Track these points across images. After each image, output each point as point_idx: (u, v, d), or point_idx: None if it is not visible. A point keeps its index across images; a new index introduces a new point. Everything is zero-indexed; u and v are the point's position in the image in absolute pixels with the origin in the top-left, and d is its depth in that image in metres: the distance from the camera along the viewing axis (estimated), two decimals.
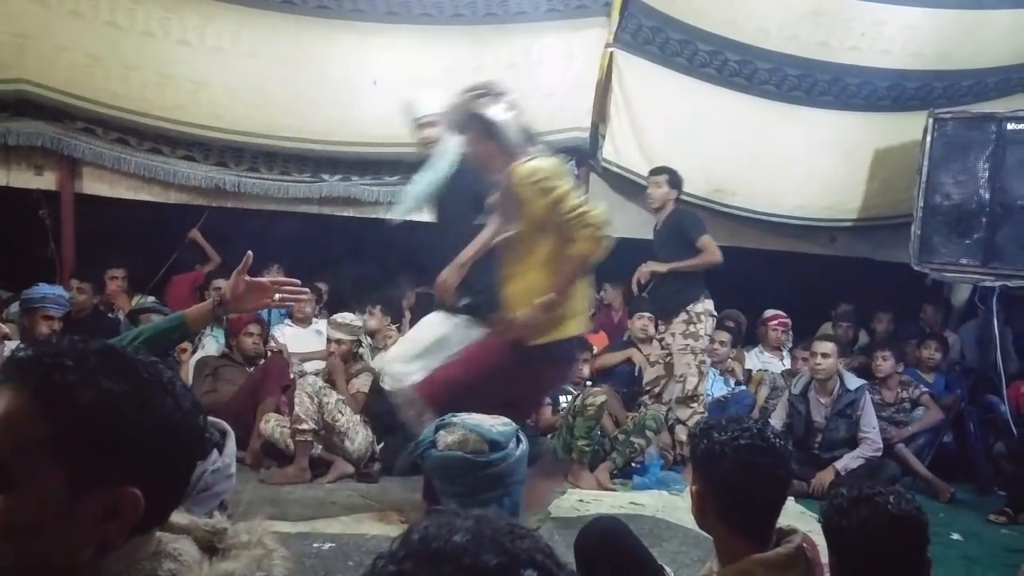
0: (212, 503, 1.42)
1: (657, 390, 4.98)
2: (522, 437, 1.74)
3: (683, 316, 4.76)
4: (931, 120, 5.17)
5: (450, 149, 3.55)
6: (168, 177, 5.22)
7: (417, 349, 3.42)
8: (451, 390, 2.77)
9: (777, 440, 1.65)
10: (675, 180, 4.83)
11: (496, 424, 1.72)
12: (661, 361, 4.94)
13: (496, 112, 3.02)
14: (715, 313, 4.93)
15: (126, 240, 5.95)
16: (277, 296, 1.88)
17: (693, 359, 4.76)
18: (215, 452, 1.45)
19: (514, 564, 0.69)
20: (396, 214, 3.79)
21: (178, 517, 0.97)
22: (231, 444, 1.49)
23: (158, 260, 5.88)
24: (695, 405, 4.73)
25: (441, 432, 1.72)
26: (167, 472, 0.94)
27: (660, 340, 4.97)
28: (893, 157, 5.78)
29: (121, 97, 5.01)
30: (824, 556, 1.68)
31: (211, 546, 0.96)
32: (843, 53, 5.48)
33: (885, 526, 1.58)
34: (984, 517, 4.35)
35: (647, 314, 5.41)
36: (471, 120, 3.04)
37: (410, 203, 3.75)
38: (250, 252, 1.89)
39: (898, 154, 5.71)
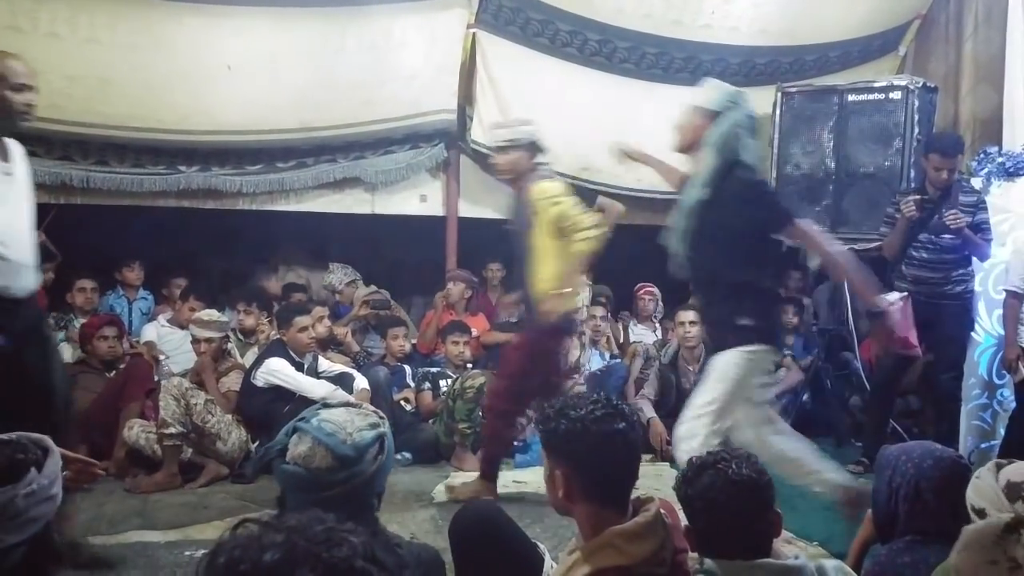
0: (29, 529, 1.29)
1: None
2: (387, 443, 1.65)
3: None
4: (779, 94, 5.40)
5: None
6: None
7: None
8: (512, 389, 3.80)
9: (626, 406, 1.71)
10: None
11: (356, 431, 1.59)
12: None
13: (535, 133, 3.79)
14: (590, 284, 5.03)
15: None
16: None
17: None
18: (32, 472, 1.33)
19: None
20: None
21: None
22: (52, 463, 1.37)
23: None
24: (576, 377, 4.81)
25: (294, 437, 1.61)
26: None
27: None
28: None
29: None
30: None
31: None
32: (696, 31, 5.64)
33: (725, 491, 1.64)
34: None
35: None
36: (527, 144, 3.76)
37: None
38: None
39: None
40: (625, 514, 1.62)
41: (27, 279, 2.89)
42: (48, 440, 1.41)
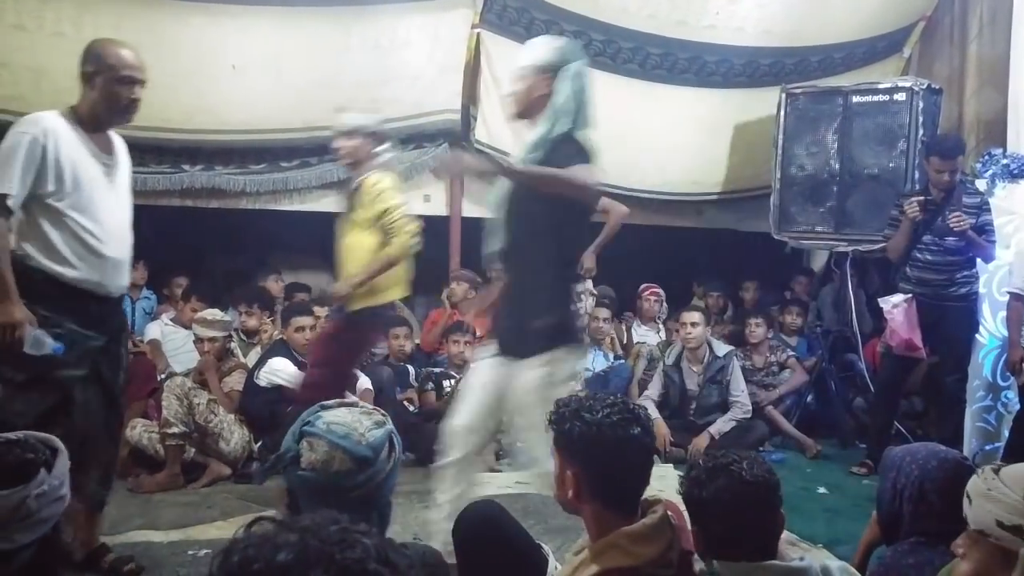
0: (39, 529, 1.28)
1: None
2: (396, 441, 1.63)
3: None
4: (784, 95, 5.40)
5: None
6: None
7: None
8: (321, 375, 3.62)
9: (642, 410, 1.70)
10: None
11: (367, 431, 1.56)
12: None
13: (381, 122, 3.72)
14: (595, 292, 5.02)
15: None
16: None
17: None
18: (42, 473, 1.32)
19: None
20: None
21: None
22: (62, 463, 1.35)
23: None
24: (573, 383, 4.80)
25: (305, 443, 1.57)
26: None
27: None
28: (751, 131, 6.01)
29: None
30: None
31: None
32: (700, 31, 5.63)
33: (740, 493, 1.63)
34: (847, 470, 4.61)
35: None
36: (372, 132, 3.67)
37: None
38: None
39: (755, 128, 5.93)
40: (634, 516, 1.62)
41: (122, 278, 2.83)
42: (56, 440, 1.39)
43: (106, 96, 2.69)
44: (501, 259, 2.75)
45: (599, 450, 1.62)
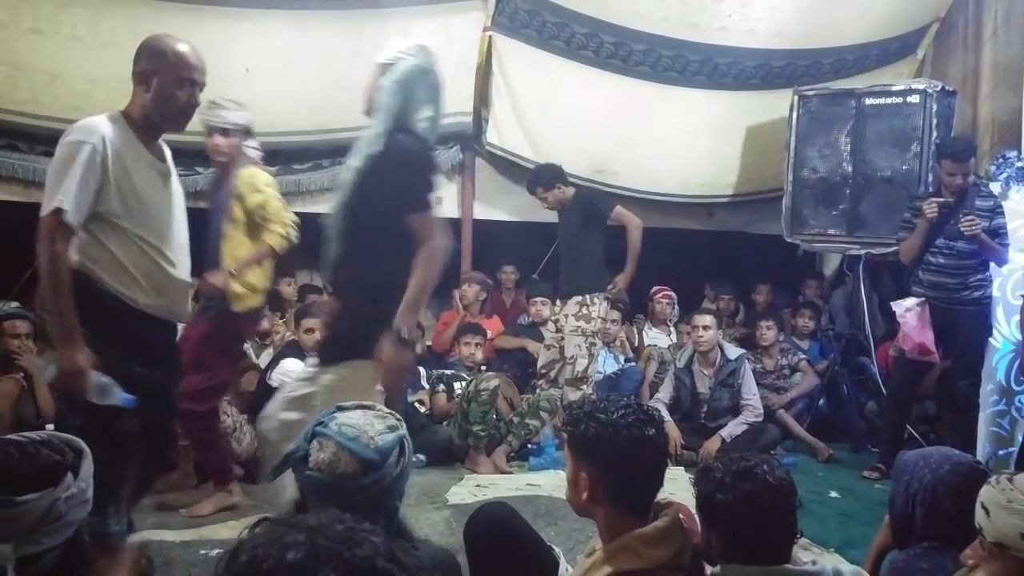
0: (65, 532, 1.28)
1: (553, 374, 5.04)
2: (407, 445, 1.63)
3: (577, 298, 4.85)
4: (796, 97, 5.39)
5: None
6: (28, 175, 4.88)
7: None
8: (203, 380, 3.50)
9: (655, 412, 1.71)
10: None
11: (378, 434, 1.55)
12: (556, 344, 5.00)
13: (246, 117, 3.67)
14: (608, 296, 5.02)
15: None
16: None
17: (583, 341, 4.84)
18: (69, 475, 1.31)
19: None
20: None
21: None
22: (87, 466, 1.35)
23: (22, 264, 5.51)
24: (584, 387, 4.82)
25: (315, 443, 1.57)
26: None
27: (555, 322, 5.02)
28: (763, 133, 6.00)
29: None
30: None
31: None
32: (712, 33, 5.63)
33: (768, 495, 1.63)
34: (859, 474, 4.59)
35: (540, 299, 5.51)
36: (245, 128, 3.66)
37: None
38: None
39: (768, 130, 5.92)
40: (647, 519, 1.62)
41: (187, 303, 2.67)
42: (80, 441, 1.39)
43: (161, 99, 2.41)
44: (331, 271, 2.69)
45: (614, 451, 1.62)
